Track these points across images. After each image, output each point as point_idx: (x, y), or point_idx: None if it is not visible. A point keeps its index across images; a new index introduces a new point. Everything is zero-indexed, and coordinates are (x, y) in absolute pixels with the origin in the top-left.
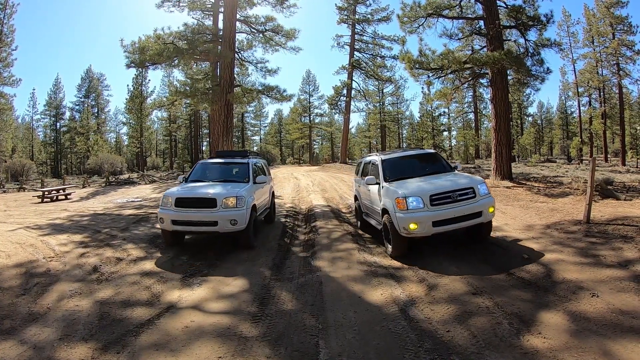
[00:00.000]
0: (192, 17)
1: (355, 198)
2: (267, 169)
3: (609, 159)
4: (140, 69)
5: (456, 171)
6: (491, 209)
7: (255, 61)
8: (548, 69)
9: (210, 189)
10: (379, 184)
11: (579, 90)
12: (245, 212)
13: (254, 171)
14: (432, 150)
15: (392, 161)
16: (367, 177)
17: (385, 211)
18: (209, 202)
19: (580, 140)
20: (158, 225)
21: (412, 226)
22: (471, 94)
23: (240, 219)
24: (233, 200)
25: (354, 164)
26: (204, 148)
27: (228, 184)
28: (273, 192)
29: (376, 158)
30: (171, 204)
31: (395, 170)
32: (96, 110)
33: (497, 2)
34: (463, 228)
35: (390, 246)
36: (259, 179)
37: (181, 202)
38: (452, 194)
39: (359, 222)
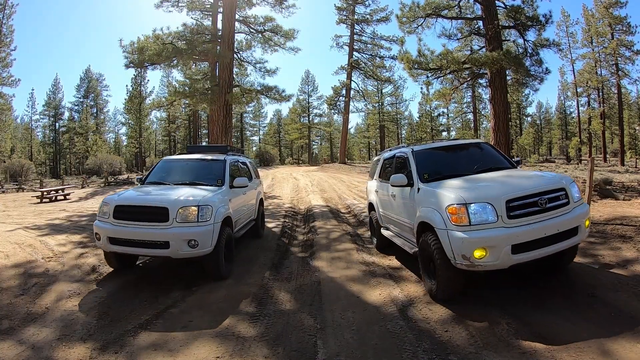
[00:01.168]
0: (191, 17)
1: (370, 207)
2: (254, 169)
3: (607, 159)
4: (139, 69)
5: (519, 168)
6: (587, 223)
7: (254, 61)
8: (547, 69)
9: (165, 194)
10: (411, 185)
11: (578, 90)
12: (211, 229)
13: (233, 171)
14: (481, 140)
15: (429, 154)
16: (392, 178)
17: (424, 227)
18: (159, 213)
19: (579, 140)
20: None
21: (479, 253)
22: (470, 94)
23: (203, 238)
24: (193, 211)
25: (353, 164)
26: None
27: (194, 187)
28: (262, 199)
29: (405, 150)
30: (109, 215)
31: (436, 166)
32: (95, 111)
33: (496, 2)
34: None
35: (432, 282)
36: (238, 181)
37: (122, 212)
38: (539, 198)
39: (374, 239)
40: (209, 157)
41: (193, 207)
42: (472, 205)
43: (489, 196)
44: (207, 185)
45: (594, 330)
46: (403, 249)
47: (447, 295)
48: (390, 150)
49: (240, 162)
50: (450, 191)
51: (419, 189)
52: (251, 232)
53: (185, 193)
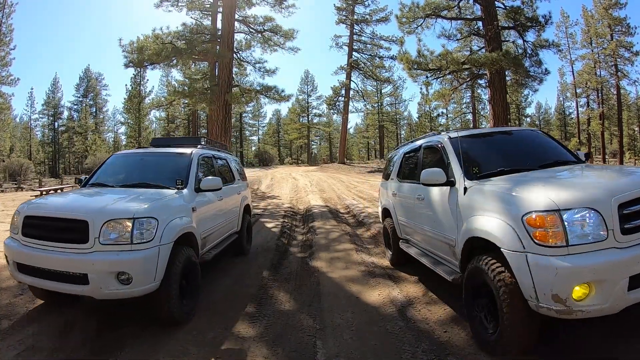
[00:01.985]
0: (191, 17)
1: (385, 213)
2: (239, 169)
3: (607, 159)
4: (138, 69)
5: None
6: None
7: (253, 61)
8: (546, 69)
9: (90, 200)
10: (450, 184)
11: (577, 91)
12: (154, 254)
13: (204, 169)
14: (535, 129)
15: (477, 142)
16: (423, 174)
17: (476, 245)
18: (75, 229)
19: (578, 141)
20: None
21: (581, 291)
22: (469, 94)
23: (140, 269)
24: (126, 227)
25: (352, 164)
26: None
27: (144, 190)
28: (248, 206)
29: (439, 138)
30: (18, 230)
31: (487, 159)
32: (94, 110)
33: (496, 3)
34: None
35: (489, 329)
36: (207, 182)
37: (32, 227)
38: None
39: (388, 252)
40: (171, 150)
41: (126, 221)
42: (568, 212)
43: (594, 198)
44: (162, 187)
45: None
46: (435, 271)
47: (514, 349)
48: (411, 142)
49: (217, 158)
50: (529, 191)
51: (465, 188)
52: (232, 248)
53: (119, 199)
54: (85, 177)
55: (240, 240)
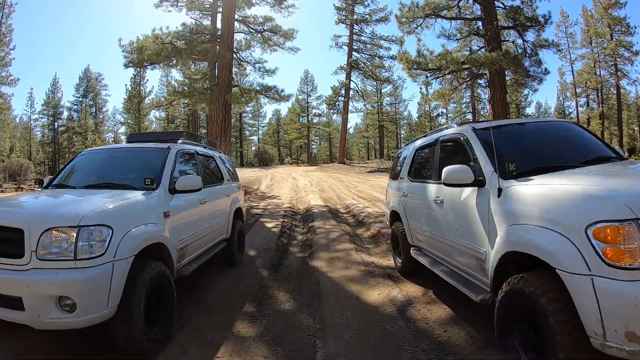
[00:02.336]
0: (191, 17)
1: (393, 217)
2: (230, 169)
3: None
4: (138, 69)
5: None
6: None
7: (253, 61)
8: (546, 69)
9: (31, 204)
10: (479, 184)
11: (577, 90)
12: (105, 272)
13: (181, 168)
14: (568, 120)
15: (504, 134)
16: (446, 172)
17: (513, 261)
18: (10, 240)
19: None
20: None
21: None
22: (469, 94)
23: (85, 293)
24: (69, 236)
25: (352, 164)
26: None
27: (105, 192)
28: (240, 209)
29: (461, 130)
30: None
31: (522, 154)
32: (94, 110)
33: (495, 2)
34: None
35: None
36: (183, 182)
37: None
38: None
39: (397, 260)
40: (145, 145)
41: (69, 230)
42: None
43: None
44: (130, 188)
45: None
46: (456, 287)
47: None
48: (424, 135)
49: (201, 155)
50: (591, 193)
51: (500, 190)
52: (221, 257)
53: (68, 202)
54: (50, 178)
55: (230, 248)
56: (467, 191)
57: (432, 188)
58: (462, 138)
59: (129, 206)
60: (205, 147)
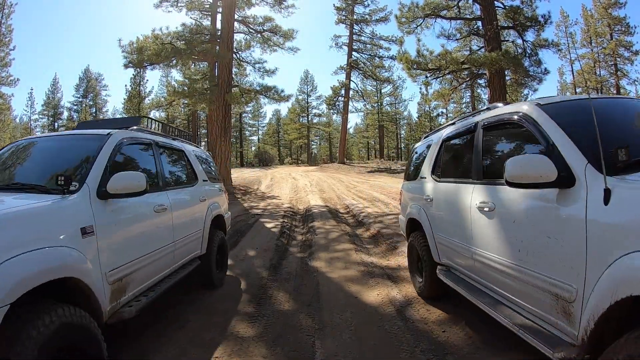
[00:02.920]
0: (190, 17)
1: (411, 227)
2: (207, 167)
3: None
4: (138, 69)
5: None
6: None
7: (253, 61)
8: (546, 69)
9: None
10: (565, 183)
11: (577, 90)
12: None
13: (125, 163)
14: None
15: (583, 114)
16: (512, 165)
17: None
18: None
19: None
20: None
21: None
22: (469, 94)
23: None
24: None
25: (352, 164)
26: (202, 148)
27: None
28: (220, 217)
29: (523, 109)
30: None
31: (624, 141)
32: (94, 110)
33: (495, 2)
34: None
35: None
36: (117, 182)
37: None
38: None
39: (418, 281)
40: (77, 132)
41: None
42: None
43: None
44: (40, 190)
45: None
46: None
47: None
48: (452, 122)
49: (163, 148)
50: None
51: (607, 192)
52: (197, 276)
53: None
54: None
55: (207, 267)
56: (543, 194)
57: (473, 190)
58: (520, 120)
59: (13, 220)
60: (172, 138)
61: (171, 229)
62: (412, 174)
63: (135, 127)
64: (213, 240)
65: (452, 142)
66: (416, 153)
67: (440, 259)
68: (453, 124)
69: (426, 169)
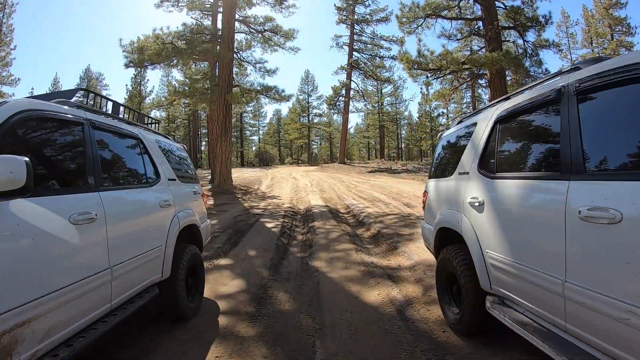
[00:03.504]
0: (191, 17)
1: (441, 239)
2: (169, 156)
3: None
4: (138, 69)
5: None
6: None
7: (254, 61)
8: (547, 69)
9: None
10: None
11: None
12: None
13: (18, 152)
14: None
15: None
16: None
17: None
18: None
19: None
20: None
21: None
22: (470, 94)
23: None
24: None
25: (352, 164)
26: (202, 148)
27: None
28: (195, 227)
29: None
30: None
31: None
32: None
33: (496, 3)
34: None
35: None
36: None
37: None
38: None
39: (453, 311)
40: None
41: None
42: None
43: None
44: None
45: None
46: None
47: None
48: (506, 98)
49: (100, 130)
50: None
51: None
52: (157, 306)
53: None
54: None
55: (172, 296)
56: None
57: (569, 189)
58: None
59: None
60: (126, 122)
61: (105, 248)
62: (443, 169)
63: (70, 100)
64: (181, 259)
65: (513, 121)
66: (448, 142)
67: (492, 285)
68: (507, 98)
69: (468, 162)
